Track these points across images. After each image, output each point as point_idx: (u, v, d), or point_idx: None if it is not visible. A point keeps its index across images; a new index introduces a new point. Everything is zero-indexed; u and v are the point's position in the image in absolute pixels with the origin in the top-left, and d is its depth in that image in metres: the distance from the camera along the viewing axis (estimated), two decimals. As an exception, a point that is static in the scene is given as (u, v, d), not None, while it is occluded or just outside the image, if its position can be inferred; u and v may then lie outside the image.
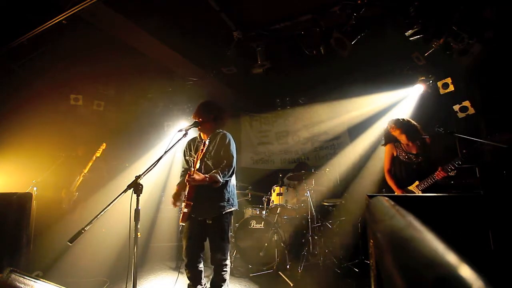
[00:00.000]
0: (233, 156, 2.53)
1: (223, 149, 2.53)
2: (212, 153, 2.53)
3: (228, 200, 2.53)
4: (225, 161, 2.48)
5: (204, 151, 2.41)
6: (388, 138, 3.15)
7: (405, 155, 3.00)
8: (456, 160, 2.62)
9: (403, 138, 3.04)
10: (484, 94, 3.88)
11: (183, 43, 3.89)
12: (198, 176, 2.29)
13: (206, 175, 2.34)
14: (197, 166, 2.36)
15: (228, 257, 2.54)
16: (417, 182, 2.85)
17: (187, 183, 2.34)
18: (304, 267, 3.59)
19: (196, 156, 2.44)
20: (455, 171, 2.69)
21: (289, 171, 4.81)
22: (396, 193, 3.01)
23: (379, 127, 4.94)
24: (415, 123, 3.04)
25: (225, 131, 2.66)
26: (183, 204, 2.41)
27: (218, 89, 5.18)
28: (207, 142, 2.44)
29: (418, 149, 2.96)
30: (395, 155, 3.08)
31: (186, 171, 2.69)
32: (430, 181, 2.77)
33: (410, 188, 2.91)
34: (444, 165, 2.69)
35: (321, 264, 3.68)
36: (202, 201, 2.40)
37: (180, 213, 2.49)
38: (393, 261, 0.42)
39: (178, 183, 2.67)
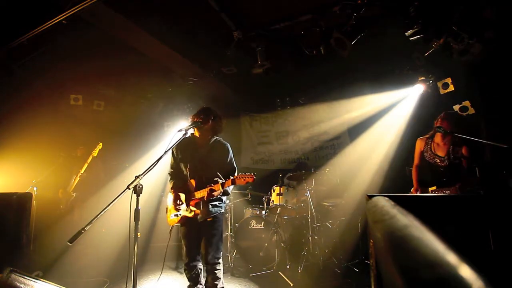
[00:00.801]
0: (235, 169, 2.65)
1: (227, 160, 2.62)
2: (215, 160, 2.58)
3: (224, 202, 2.68)
4: (230, 173, 2.55)
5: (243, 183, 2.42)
6: (433, 129, 2.92)
7: (430, 154, 2.86)
8: (478, 188, 2.51)
9: (438, 134, 2.83)
10: (484, 94, 3.88)
11: (183, 43, 3.89)
12: (217, 192, 2.39)
13: (221, 189, 2.41)
14: (222, 186, 2.38)
15: (221, 256, 2.60)
16: (434, 187, 2.76)
17: (206, 198, 2.38)
18: (304, 267, 3.58)
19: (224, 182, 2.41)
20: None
21: (289, 171, 4.80)
22: (413, 188, 2.95)
23: (379, 127, 4.94)
24: (464, 126, 2.78)
25: (224, 141, 2.72)
26: (187, 209, 2.46)
27: (218, 89, 5.18)
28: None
29: (447, 153, 2.77)
30: (421, 150, 2.96)
31: (176, 173, 2.71)
32: (444, 193, 2.66)
33: (429, 189, 2.82)
34: (463, 185, 2.56)
35: (321, 264, 3.68)
36: (204, 204, 2.48)
37: (176, 216, 2.54)
38: (393, 261, 0.42)
39: (172, 188, 2.67)
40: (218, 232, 2.55)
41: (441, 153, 2.81)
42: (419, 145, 3.01)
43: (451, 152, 2.76)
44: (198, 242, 2.56)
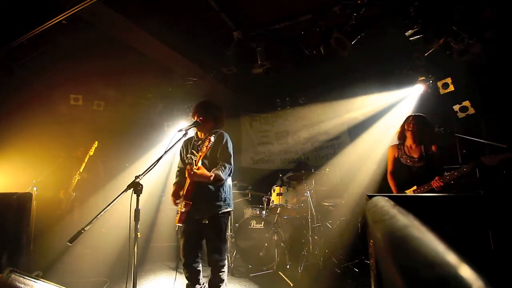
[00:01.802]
0: (230, 155, 2.52)
1: (220, 148, 2.51)
2: (209, 152, 2.46)
3: (225, 200, 2.52)
4: (223, 160, 2.46)
5: (209, 147, 2.33)
6: (400, 134, 3.05)
7: (406, 158, 2.95)
8: (456, 172, 2.55)
9: (409, 137, 2.96)
10: (484, 94, 3.88)
11: (183, 43, 3.89)
12: (202, 172, 2.26)
13: (211, 174, 2.30)
14: (199, 163, 2.31)
15: (226, 258, 2.53)
16: (414, 187, 2.82)
17: (188, 178, 2.29)
18: (304, 267, 3.58)
19: (200, 153, 2.34)
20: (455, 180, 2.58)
21: (289, 171, 4.80)
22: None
23: (379, 127, 4.94)
24: (430, 126, 2.93)
25: (221, 131, 2.64)
26: (182, 204, 2.38)
27: (218, 89, 5.18)
28: (212, 139, 2.36)
29: (420, 153, 2.89)
30: (396, 156, 3.04)
31: (181, 171, 2.66)
32: (426, 188, 2.72)
33: (407, 191, 2.88)
34: (441, 175, 2.62)
35: (321, 264, 3.68)
36: (199, 200, 2.37)
37: (177, 213, 2.46)
38: (393, 261, 0.42)
39: (175, 183, 2.64)
40: (218, 233, 2.45)
41: (415, 154, 2.92)
42: (392, 152, 3.09)
43: (423, 151, 2.89)
44: (196, 241, 2.49)
